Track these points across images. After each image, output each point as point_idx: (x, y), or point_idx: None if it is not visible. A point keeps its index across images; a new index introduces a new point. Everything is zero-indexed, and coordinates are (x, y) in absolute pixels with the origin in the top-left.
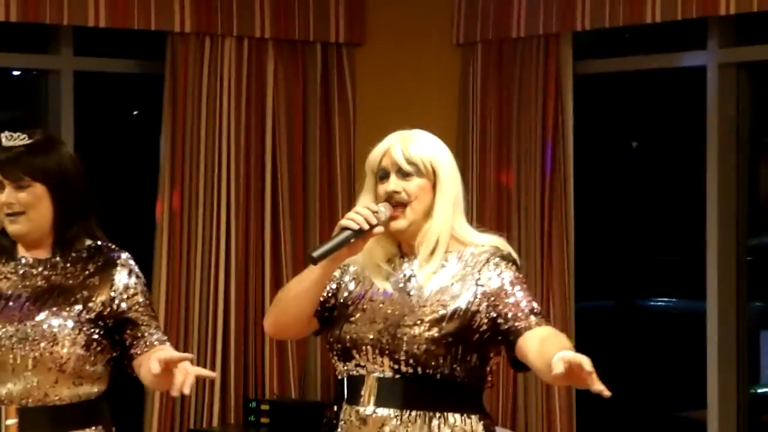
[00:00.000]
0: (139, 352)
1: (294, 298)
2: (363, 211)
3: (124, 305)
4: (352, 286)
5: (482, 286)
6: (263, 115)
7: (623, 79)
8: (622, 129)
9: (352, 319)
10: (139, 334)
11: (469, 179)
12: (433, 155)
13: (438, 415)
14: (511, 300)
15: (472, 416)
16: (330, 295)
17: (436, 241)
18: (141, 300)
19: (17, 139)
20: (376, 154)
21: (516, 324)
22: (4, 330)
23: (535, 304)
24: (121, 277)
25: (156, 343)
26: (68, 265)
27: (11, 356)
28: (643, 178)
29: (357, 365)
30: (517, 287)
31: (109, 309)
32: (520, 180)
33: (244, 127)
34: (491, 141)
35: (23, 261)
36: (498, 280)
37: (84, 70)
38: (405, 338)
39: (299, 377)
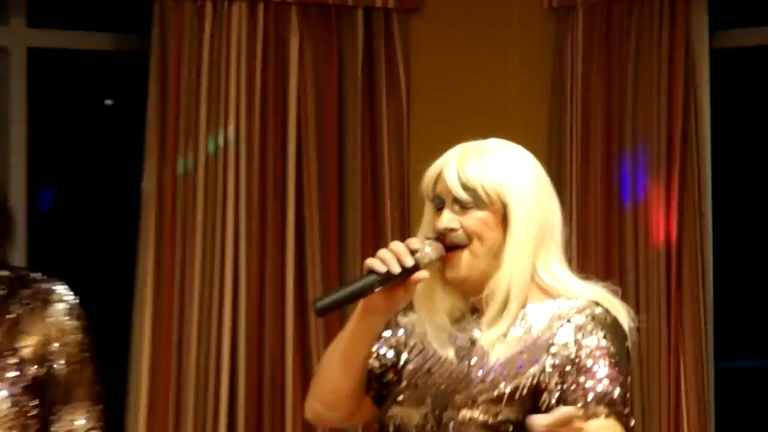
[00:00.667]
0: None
1: (328, 370)
2: (396, 248)
3: (58, 359)
4: (413, 353)
5: (554, 355)
6: (285, 104)
7: None
8: None
9: (401, 398)
10: (62, 411)
11: (567, 198)
12: (500, 178)
13: None
14: (582, 379)
15: None
16: (388, 365)
17: (505, 295)
18: (76, 353)
19: None
20: (430, 175)
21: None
22: None
23: (614, 390)
24: (56, 319)
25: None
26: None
27: None
28: None
29: None
30: (600, 362)
31: (39, 365)
32: (636, 196)
33: (258, 122)
34: (597, 141)
35: None
36: (573, 347)
37: (40, 47)
38: (451, 425)
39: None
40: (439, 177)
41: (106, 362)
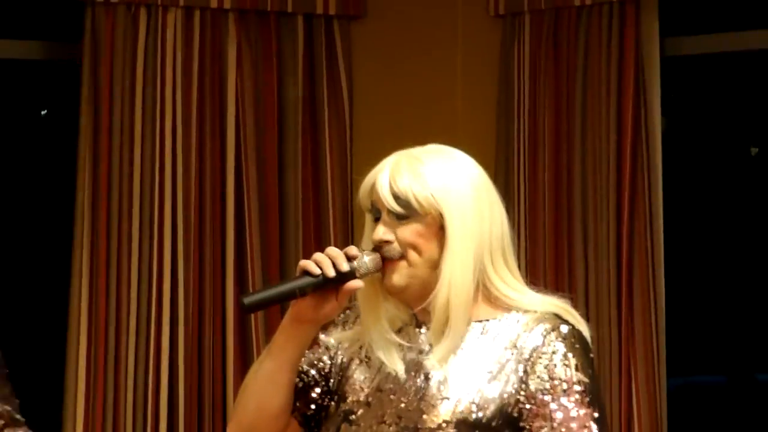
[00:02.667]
0: None
1: (252, 391)
2: (332, 252)
3: None
4: (353, 368)
5: (529, 382)
6: (223, 112)
7: (728, 62)
8: (734, 130)
9: (353, 417)
10: None
11: (515, 209)
12: (434, 187)
13: None
14: (559, 416)
15: None
16: (314, 383)
17: (445, 307)
18: None
19: None
20: (365, 186)
21: None
22: None
23: (592, 426)
24: None
25: None
26: None
27: None
28: (765, 200)
29: None
30: (572, 398)
31: None
32: (586, 206)
33: (196, 130)
34: (545, 150)
35: None
36: (546, 379)
37: None
38: None
39: None
40: (373, 188)
41: (40, 378)
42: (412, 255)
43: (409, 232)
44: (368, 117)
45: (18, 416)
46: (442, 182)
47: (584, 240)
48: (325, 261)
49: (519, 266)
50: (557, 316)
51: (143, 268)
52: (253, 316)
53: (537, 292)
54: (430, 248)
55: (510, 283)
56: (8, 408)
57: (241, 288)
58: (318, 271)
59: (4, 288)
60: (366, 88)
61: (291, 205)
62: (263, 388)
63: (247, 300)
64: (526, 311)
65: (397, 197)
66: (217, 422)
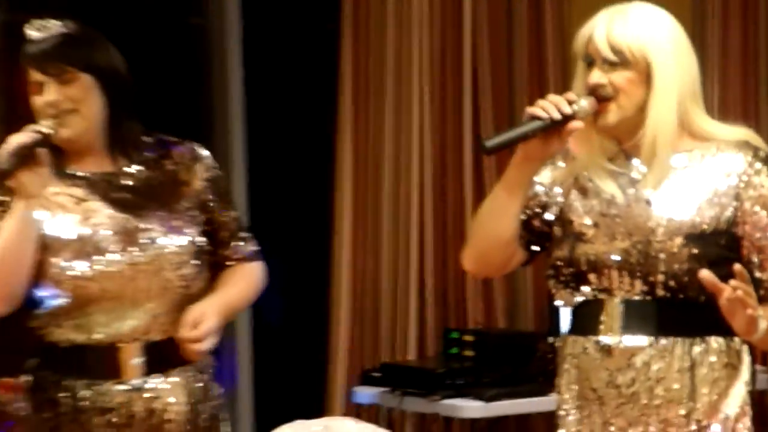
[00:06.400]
0: (228, 261)
1: (488, 221)
2: (554, 98)
3: (212, 204)
4: (572, 198)
5: (744, 201)
6: None
7: None
8: None
9: (585, 236)
10: (227, 240)
11: (709, 55)
12: (644, 39)
13: (699, 340)
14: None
15: (735, 338)
16: (534, 213)
17: (652, 144)
18: (224, 195)
19: (49, 29)
20: (581, 37)
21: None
22: (112, 258)
23: None
24: (206, 172)
25: (248, 256)
26: (144, 168)
27: (131, 287)
28: None
29: (594, 290)
30: None
31: (202, 210)
32: None
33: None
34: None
35: (89, 178)
36: (756, 196)
37: None
38: (662, 257)
39: (507, 305)
40: (589, 39)
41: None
42: (623, 98)
43: (621, 77)
44: None
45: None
46: (650, 35)
47: None
48: (550, 106)
49: (713, 108)
50: (747, 143)
51: (394, 144)
52: (485, 157)
53: (729, 126)
54: (638, 93)
55: (706, 120)
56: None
57: (476, 131)
58: (545, 115)
59: (274, 174)
60: None
61: (517, 57)
62: (497, 218)
63: (488, 143)
64: (723, 140)
65: (612, 47)
66: (458, 247)
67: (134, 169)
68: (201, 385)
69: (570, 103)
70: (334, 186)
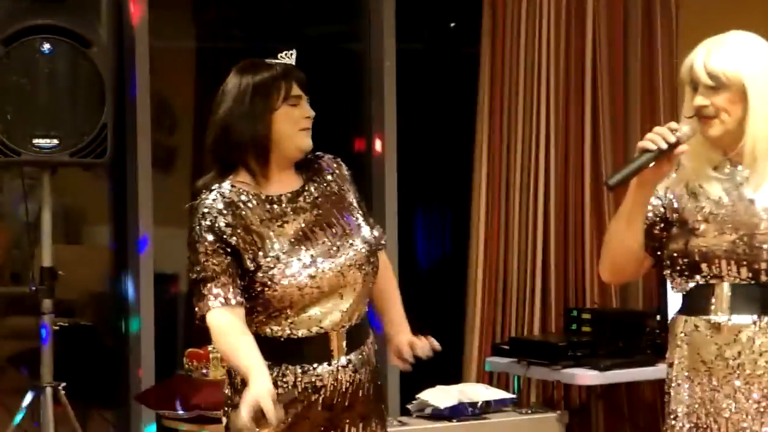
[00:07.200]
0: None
1: (617, 239)
2: (659, 130)
3: (355, 203)
4: (684, 201)
5: None
6: (583, 18)
7: None
8: None
9: (698, 231)
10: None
11: None
12: (737, 64)
13: None
14: None
15: None
16: (654, 222)
17: (753, 152)
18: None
19: (292, 56)
20: (685, 65)
21: None
22: (344, 258)
23: None
24: (346, 174)
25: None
26: (316, 177)
27: (344, 280)
28: None
29: (704, 276)
30: None
31: (359, 208)
32: None
33: (564, 29)
34: None
35: (300, 198)
36: None
37: None
38: (765, 247)
39: (620, 287)
40: (692, 67)
41: None
42: (724, 115)
43: (720, 99)
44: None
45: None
46: (742, 60)
47: None
48: (657, 137)
49: None
50: None
51: (525, 143)
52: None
53: None
54: (736, 110)
55: None
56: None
57: (595, 143)
58: (654, 147)
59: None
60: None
61: (632, 88)
62: (623, 235)
63: (610, 181)
64: None
65: (710, 74)
66: (577, 237)
67: (310, 183)
68: (369, 356)
69: (673, 131)
70: (472, 185)
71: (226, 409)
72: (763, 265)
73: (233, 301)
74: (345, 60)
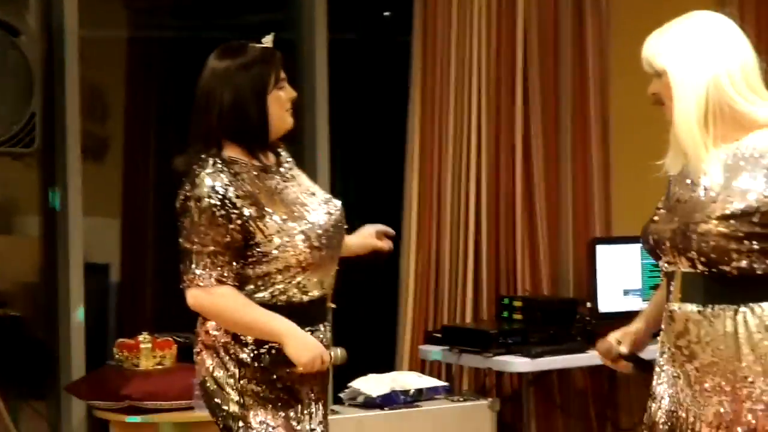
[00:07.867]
0: None
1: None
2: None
3: None
4: (671, 187)
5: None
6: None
7: None
8: None
9: (656, 218)
10: None
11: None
12: (658, 50)
13: (743, 308)
14: None
15: None
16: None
17: (678, 142)
18: None
19: (270, 41)
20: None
21: None
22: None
23: None
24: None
25: None
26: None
27: (340, 241)
28: None
29: (666, 263)
30: None
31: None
32: None
33: (495, 20)
34: None
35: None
36: None
37: None
38: (694, 237)
39: (551, 275)
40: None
41: None
42: (668, 101)
43: (659, 86)
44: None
45: None
46: (664, 46)
47: None
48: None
49: None
50: None
51: (456, 130)
52: (531, 150)
53: None
54: (670, 96)
55: (755, 102)
56: None
57: (526, 132)
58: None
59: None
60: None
61: (563, 80)
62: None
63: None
64: (763, 126)
65: (644, 61)
66: (508, 227)
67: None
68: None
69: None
70: (404, 174)
71: (238, 384)
72: (694, 255)
73: (230, 282)
74: (277, 49)
